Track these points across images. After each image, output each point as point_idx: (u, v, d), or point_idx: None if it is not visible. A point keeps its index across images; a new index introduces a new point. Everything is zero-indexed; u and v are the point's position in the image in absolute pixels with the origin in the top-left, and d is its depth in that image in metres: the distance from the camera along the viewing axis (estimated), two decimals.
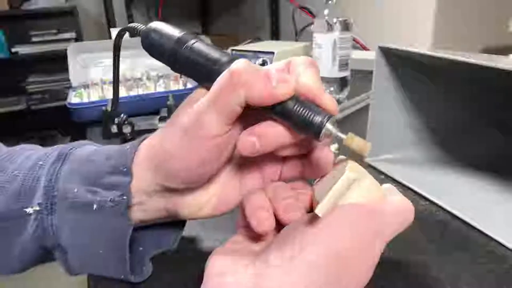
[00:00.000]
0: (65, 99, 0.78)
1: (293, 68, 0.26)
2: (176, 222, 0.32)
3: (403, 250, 0.34)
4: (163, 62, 0.29)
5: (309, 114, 0.24)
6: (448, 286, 0.30)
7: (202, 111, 0.24)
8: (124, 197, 0.27)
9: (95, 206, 0.27)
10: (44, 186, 0.28)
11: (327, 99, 0.24)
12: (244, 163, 0.29)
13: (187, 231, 0.37)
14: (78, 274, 0.30)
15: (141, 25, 0.30)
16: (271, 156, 0.28)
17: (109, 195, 0.27)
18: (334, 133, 0.24)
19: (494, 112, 0.50)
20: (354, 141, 0.24)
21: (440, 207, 0.40)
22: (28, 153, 0.31)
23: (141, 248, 0.32)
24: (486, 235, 0.36)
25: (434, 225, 0.38)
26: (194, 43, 0.27)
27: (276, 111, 0.24)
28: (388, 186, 0.27)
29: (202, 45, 0.27)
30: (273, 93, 0.23)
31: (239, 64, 0.24)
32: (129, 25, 0.31)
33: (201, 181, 0.28)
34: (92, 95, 0.75)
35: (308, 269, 0.22)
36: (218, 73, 0.25)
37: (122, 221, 0.28)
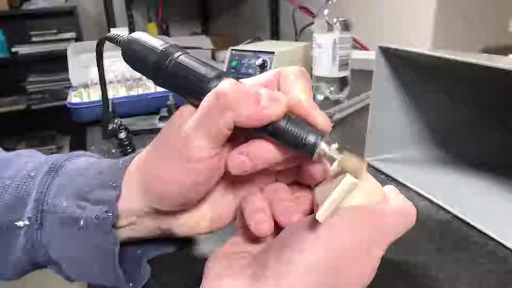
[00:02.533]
0: (65, 99, 0.78)
1: (283, 79, 0.25)
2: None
3: (403, 249, 0.34)
4: (145, 75, 0.27)
5: (301, 133, 0.23)
6: (448, 286, 0.30)
7: (190, 135, 0.23)
8: (109, 214, 0.26)
9: (81, 222, 0.27)
10: (35, 199, 0.28)
11: (320, 117, 0.24)
12: (237, 178, 0.28)
13: None
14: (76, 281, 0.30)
15: (122, 34, 0.28)
16: (262, 173, 0.27)
17: (95, 211, 0.27)
18: (328, 154, 0.23)
19: (494, 112, 0.50)
20: (348, 163, 0.23)
21: (440, 207, 0.40)
22: (24, 161, 0.31)
23: (139, 251, 0.32)
24: (486, 235, 0.36)
25: (434, 225, 0.38)
26: (178, 56, 0.26)
27: (267, 130, 0.23)
28: (390, 187, 0.27)
29: (187, 59, 0.26)
30: (263, 114, 0.22)
31: (226, 85, 0.23)
32: (109, 34, 0.29)
33: (192, 203, 0.27)
34: (92, 95, 0.75)
35: (306, 271, 0.22)
36: (205, 90, 0.24)
37: (107, 239, 0.27)
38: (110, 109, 0.64)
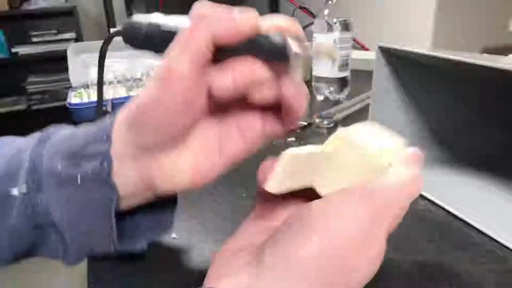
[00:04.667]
0: (65, 99, 0.78)
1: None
2: (167, 206, 0.32)
3: (403, 250, 0.34)
4: (147, 49, 0.29)
5: (272, 39, 0.24)
6: (448, 286, 0.30)
7: (171, 56, 0.24)
8: (105, 164, 0.27)
9: (79, 179, 0.27)
10: (28, 168, 0.28)
11: (287, 22, 0.25)
12: (222, 126, 0.28)
13: (187, 232, 0.37)
14: (76, 262, 0.30)
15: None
16: (249, 116, 0.28)
17: (90, 166, 0.27)
18: (295, 49, 0.24)
19: (494, 112, 0.50)
20: (320, 49, 0.26)
21: (440, 207, 0.40)
22: (11, 140, 0.31)
23: (137, 231, 0.32)
24: (486, 235, 0.36)
25: (434, 225, 0.38)
26: (154, 18, 0.28)
27: (242, 47, 0.24)
28: (397, 146, 0.25)
29: (161, 16, 0.28)
30: (237, 27, 0.23)
31: (200, 4, 0.24)
32: (114, 31, 0.32)
33: (174, 134, 0.27)
34: (92, 95, 0.75)
35: (304, 269, 0.21)
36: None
37: (105, 188, 0.27)
38: (110, 109, 0.64)
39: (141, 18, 0.29)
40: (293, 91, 0.25)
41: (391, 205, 0.23)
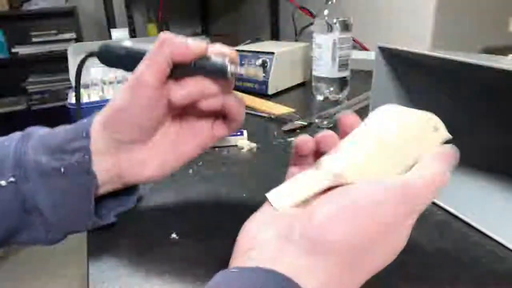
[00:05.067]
0: (65, 99, 0.78)
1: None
2: (129, 191, 0.38)
3: (403, 250, 0.34)
4: (118, 67, 0.36)
5: (216, 61, 0.31)
6: (448, 286, 0.30)
7: (139, 70, 0.31)
8: (86, 156, 0.32)
9: (62, 170, 0.32)
10: (14, 161, 0.32)
11: (226, 49, 0.32)
12: (180, 130, 0.35)
13: (187, 232, 0.37)
14: (55, 242, 0.34)
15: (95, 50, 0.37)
16: (201, 122, 0.35)
17: (74, 159, 0.32)
18: (233, 70, 0.31)
19: (494, 112, 0.50)
20: (249, 71, 0.32)
21: (440, 207, 0.40)
22: None
23: (105, 211, 0.37)
24: (486, 235, 0.36)
25: (434, 225, 0.38)
26: (124, 43, 0.35)
27: (193, 66, 0.31)
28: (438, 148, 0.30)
29: (130, 42, 0.36)
30: (190, 49, 0.31)
31: (165, 33, 0.32)
32: (89, 51, 0.38)
33: (142, 132, 0.33)
34: (92, 95, 0.75)
35: (329, 251, 0.22)
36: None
37: (87, 177, 0.32)
38: None
39: (114, 43, 0.36)
40: (233, 101, 0.33)
41: (418, 201, 0.25)
